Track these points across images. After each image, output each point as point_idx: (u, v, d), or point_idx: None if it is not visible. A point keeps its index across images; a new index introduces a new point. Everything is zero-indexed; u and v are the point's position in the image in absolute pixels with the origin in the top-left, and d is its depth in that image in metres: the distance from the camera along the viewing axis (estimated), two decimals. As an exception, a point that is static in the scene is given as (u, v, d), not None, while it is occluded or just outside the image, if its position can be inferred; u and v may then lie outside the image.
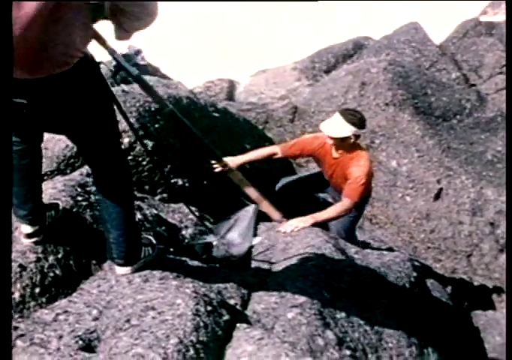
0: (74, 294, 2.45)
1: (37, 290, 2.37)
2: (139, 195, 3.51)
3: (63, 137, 3.11)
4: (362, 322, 2.64)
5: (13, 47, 1.70)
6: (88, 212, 2.88)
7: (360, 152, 3.72)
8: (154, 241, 2.73)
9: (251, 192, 2.41)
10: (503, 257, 4.99)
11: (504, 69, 7.43)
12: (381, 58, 7.16)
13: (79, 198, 2.93)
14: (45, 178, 3.27)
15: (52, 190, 2.89)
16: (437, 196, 5.30)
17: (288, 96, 7.79)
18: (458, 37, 8.56)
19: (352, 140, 3.64)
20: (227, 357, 2.08)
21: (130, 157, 3.59)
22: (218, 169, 3.75)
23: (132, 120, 3.31)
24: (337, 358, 2.28)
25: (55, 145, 3.50)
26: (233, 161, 3.81)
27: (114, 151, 2.31)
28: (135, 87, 3.93)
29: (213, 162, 3.79)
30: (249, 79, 8.69)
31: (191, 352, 1.95)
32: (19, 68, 1.80)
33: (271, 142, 5.49)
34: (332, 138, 3.65)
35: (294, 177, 4.42)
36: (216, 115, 4.68)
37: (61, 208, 2.72)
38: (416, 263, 3.57)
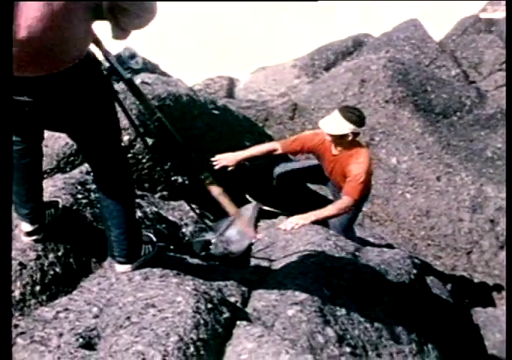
0: (74, 292, 2.46)
1: (38, 288, 2.37)
2: (139, 193, 3.50)
3: (63, 135, 3.11)
4: (362, 319, 2.64)
5: (17, 45, 1.71)
6: (88, 210, 2.88)
7: (360, 150, 3.72)
8: (154, 239, 2.73)
9: (230, 207, 2.36)
10: (503, 254, 4.99)
11: (504, 66, 7.42)
12: (381, 55, 7.15)
13: (79, 196, 2.93)
14: (45, 176, 3.27)
15: (52, 188, 2.89)
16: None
17: (288, 93, 7.78)
18: (457, 34, 8.56)
19: (350, 138, 3.63)
20: (227, 354, 2.08)
21: (129, 155, 3.59)
22: (218, 166, 3.76)
23: (132, 117, 3.31)
24: (337, 355, 2.28)
25: (54, 143, 3.50)
26: (232, 157, 3.81)
27: (115, 149, 2.31)
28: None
29: (213, 159, 3.80)
30: (249, 77, 8.68)
31: (191, 349, 1.95)
32: (22, 66, 1.80)
33: (271, 140, 5.47)
34: (330, 135, 3.65)
35: (295, 165, 4.31)
36: (216, 112, 4.67)
37: (61, 206, 2.72)
38: (416, 260, 3.57)
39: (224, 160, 3.81)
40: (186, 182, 3.90)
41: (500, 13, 9.30)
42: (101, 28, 2.00)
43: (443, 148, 5.65)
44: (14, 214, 2.42)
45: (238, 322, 2.25)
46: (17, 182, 2.31)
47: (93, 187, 3.00)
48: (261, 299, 2.56)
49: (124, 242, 2.41)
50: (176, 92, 4.25)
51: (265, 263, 3.13)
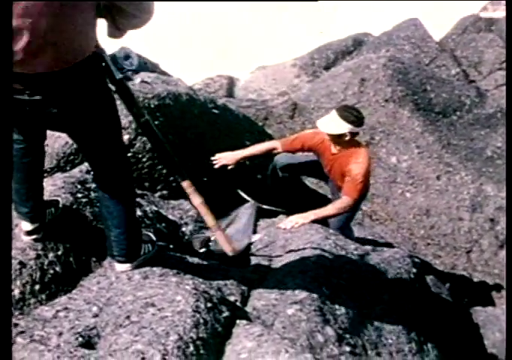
0: (74, 291, 2.46)
1: (37, 287, 2.37)
2: (139, 192, 3.50)
3: (63, 134, 3.11)
4: (361, 318, 2.64)
5: (20, 44, 1.71)
6: (88, 209, 2.88)
7: (359, 149, 3.71)
8: (154, 238, 2.73)
9: (208, 218, 2.31)
10: (503, 253, 4.99)
11: (504, 65, 7.41)
12: (381, 54, 7.13)
13: (79, 195, 2.93)
14: (45, 175, 3.27)
15: (52, 187, 2.89)
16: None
17: (288, 92, 7.77)
18: (457, 33, 8.54)
19: (348, 138, 3.63)
20: (226, 353, 2.08)
21: (130, 154, 3.59)
22: (217, 165, 3.77)
23: (131, 117, 3.31)
24: (337, 354, 2.29)
25: (54, 142, 3.50)
26: (232, 156, 3.81)
27: (116, 148, 2.30)
28: (135, 83, 3.94)
29: (213, 158, 3.80)
30: (249, 76, 8.68)
31: (191, 348, 1.95)
32: (25, 64, 1.80)
33: (271, 139, 5.47)
34: (328, 134, 3.66)
35: (300, 158, 4.21)
36: (216, 111, 4.67)
37: (61, 205, 2.72)
38: (415, 259, 3.57)
39: (224, 159, 3.81)
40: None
41: (500, 12, 9.29)
42: (97, 26, 2.00)
43: (443, 147, 5.64)
44: (14, 213, 2.43)
45: (237, 321, 2.26)
46: (18, 181, 2.31)
47: (93, 186, 2.99)
48: (261, 298, 2.56)
49: (123, 241, 2.41)
50: (175, 91, 4.25)
51: (265, 262, 3.13)
